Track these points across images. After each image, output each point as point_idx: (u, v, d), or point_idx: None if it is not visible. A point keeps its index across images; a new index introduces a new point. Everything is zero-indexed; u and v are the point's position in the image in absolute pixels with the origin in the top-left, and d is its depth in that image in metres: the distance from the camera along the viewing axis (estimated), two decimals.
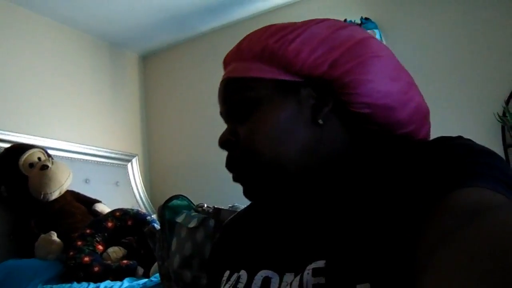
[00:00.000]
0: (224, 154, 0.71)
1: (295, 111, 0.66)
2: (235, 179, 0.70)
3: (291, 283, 0.59)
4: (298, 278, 0.59)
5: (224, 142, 0.69)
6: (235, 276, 0.70)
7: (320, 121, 0.66)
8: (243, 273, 0.68)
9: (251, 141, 0.66)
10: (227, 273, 0.73)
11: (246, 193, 0.70)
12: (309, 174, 0.66)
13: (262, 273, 0.65)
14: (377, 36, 3.18)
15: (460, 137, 0.59)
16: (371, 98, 0.65)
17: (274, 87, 0.67)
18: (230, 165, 0.70)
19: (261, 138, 0.65)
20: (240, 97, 0.68)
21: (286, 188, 0.67)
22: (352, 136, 0.69)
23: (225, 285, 0.70)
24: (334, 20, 0.70)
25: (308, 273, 0.57)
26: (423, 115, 0.71)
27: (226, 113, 0.72)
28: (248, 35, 0.72)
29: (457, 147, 0.56)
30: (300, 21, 0.70)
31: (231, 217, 0.88)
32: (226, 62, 0.75)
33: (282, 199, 0.69)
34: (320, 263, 0.58)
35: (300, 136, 0.66)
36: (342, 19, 3.29)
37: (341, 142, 0.67)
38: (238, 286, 0.67)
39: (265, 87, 0.67)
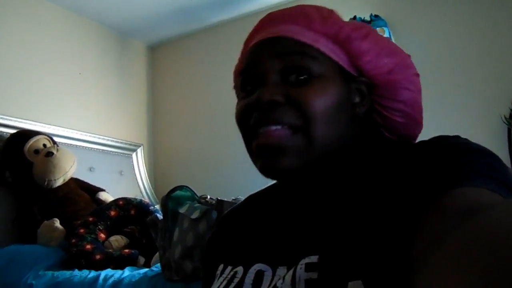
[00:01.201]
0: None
1: (346, 99, 0.68)
2: (266, 143, 0.63)
3: (284, 277, 0.59)
4: (291, 272, 0.59)
5: (272, 101, 0.63)
6: (228, 269, 0.70)
7: (360, 115, 0.70)
8: (239, 269, 0.68)
9: (311, 107, 0.63)
10: (221, 266, 0.73)
11: (273, 161, 0.64)
12: (326, 159, 0.66)
13: (256, 267, 0.65)
14: (386, 34, 3.17)
15: (457, 137, 0.60)
16: (411, 110, 0.71)
17: (337, 71, 0.67)
18: (269, 122, 0.64)
19: (321, 108, 0.63)
20: (305, 63, 0.65)
21: (309, 165, 0.64)
22: (359, 132, 0.71)
23: (219, 278, 0.70)
24: None
25: (301, 268, 0.58)
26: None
27: (277, 70, 0.66)
28: (312, 6, 0.71)
29: (455, 146, 0.56)
30: None
31: (227, 211, 0.88)
32: (276, 19, 0.71)
33: (297, 177, 0.67)
34: (314, 258, 0.58)
35: (342, 122, 0.67)
36: (352, 16, 3.28)
37: (352, 138, 0.69)
38: (234, 281, 0.67)
39: (331, 66, 0.66)
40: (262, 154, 0.65)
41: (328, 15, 0.69)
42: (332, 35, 0.67)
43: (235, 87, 0.79)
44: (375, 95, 0.71)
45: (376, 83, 0.69)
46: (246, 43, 0.76)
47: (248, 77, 0.70)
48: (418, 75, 0.72)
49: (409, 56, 0.72)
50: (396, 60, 0.69)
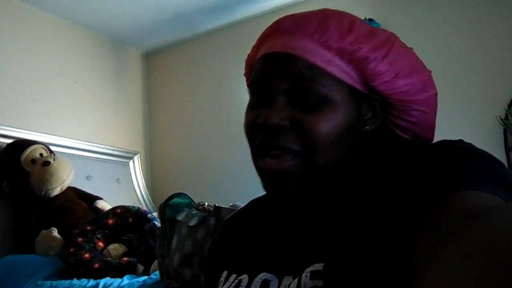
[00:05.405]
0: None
1: (355, 118, 0.66)
2: (267, 168, 0.65)
3: (289, 286, 0.59)
4: (296, 280, 0.59)
5: (277, 126, 0.63)
6: (233, 277, 0.70)
7: (368, 134, 0.69)
8: (244, 277, 0.68)
9: (315, 135, 0.62)
10: (225, 273, 0.73)
11: (273, 183, 0.66)
12: (328, 177, 0.66)
13: (262, 276, 0.65)
14: None
15: (461, 141, 0.60)
16: (422, 131, 0.71)
17: (348, 91, 0.65)
18: (272, 148, 0.64)
19: (325, 136, 0.62)
20: (313, 87, 0.63)
21: (313, 184, 0.66)
22: (368, 142, 0.71)
23: (223, 285, 0.70)
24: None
25: (306, 276, 0.58)
26: None
27: (285, 91, 0.64)
28: (335, 15, 0.67)
29: (458, 151, 0.57)
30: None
31: (229, 216, 0.87)
32: (295, 26, 0.67)
33: (302, 196, 0.68)
34: (319, 266, 0.58)
35: (350, 142, 0.67)
36: None
37: (360, 151, 0.69)
38: None
39: (341, 89, 0.64)
40: (263, 176, 0.67)
41: (348, 28, 0.65)
42: (347, 53, 0.64)
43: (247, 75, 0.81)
44: (387, 113, 0.69)
45: (390, 102, 0.68)
46: (263, 37, 0.73)
47: (256, 87, 0.69)
48: (436, 94, 0.70)
49: (429, 71, 0.70)
50: (413, 80, 0.66)
